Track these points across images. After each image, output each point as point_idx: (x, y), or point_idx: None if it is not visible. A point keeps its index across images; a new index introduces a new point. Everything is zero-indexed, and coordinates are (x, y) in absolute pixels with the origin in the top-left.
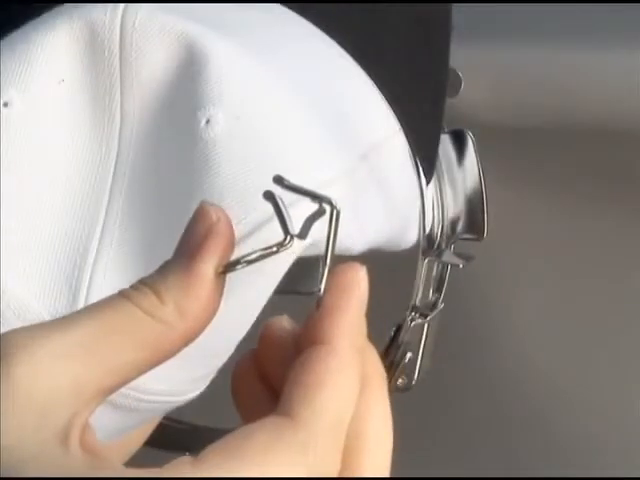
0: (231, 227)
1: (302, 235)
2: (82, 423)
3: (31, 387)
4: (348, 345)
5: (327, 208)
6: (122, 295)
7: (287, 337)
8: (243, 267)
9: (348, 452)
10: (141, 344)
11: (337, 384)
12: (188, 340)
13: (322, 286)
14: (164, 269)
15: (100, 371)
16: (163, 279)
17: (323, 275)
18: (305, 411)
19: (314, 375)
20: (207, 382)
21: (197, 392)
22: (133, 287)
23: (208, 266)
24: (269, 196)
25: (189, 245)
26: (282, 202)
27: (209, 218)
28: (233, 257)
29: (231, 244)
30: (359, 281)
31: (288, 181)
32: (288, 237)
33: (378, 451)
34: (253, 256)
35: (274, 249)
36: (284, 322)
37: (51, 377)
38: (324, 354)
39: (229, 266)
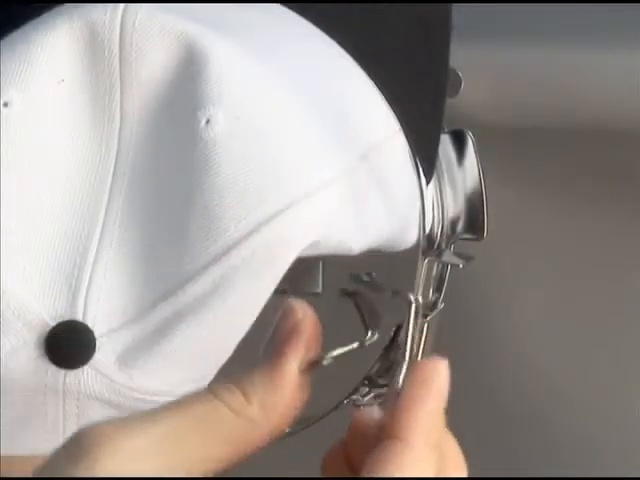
0: (316, 323)
1: (376, 327)
2: None
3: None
4: (423, 442)
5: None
6: (210, 392)
7: (374, 427)
8: (328, 363)
9: None
10: (226, 440)
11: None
12: (273, 436)
13: (400, 379)
14: (252, 368)
15: (184, 466)
16: (250, 378)
17: (402, 368)
18: None
19: (388, 468)
20: (207, 382)
21: (193, 390)
22: (221, 385)
23: (293, 365)
24: (351, 294)
25: (275, 344)
26: (365, 299)
27: (295, 315)
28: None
29: (316, 341)
30: (439, 376)
31: (366, 277)
32: (370, 332)
33: None
34: (337, 352)
35: (356, 345)
36: (374, 413)
37: (135, 471)
38: (400, 449)
39: (314, 364)
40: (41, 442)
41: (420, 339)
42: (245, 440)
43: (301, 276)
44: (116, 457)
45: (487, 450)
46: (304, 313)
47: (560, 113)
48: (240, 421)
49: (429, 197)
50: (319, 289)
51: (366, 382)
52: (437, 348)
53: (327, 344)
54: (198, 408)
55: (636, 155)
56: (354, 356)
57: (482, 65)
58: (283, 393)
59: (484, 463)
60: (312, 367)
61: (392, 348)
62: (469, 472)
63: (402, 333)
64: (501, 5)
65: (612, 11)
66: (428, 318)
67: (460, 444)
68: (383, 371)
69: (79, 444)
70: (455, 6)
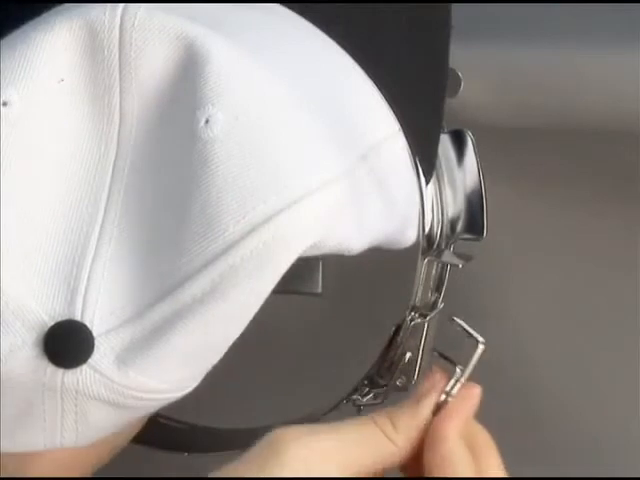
0: (446, 382)
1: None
2: None
3: (301, 469)
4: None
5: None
6: (372, 419)
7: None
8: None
9: None
10: (376, 455)
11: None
12: (405, 457)
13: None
14: (401, 406)
15: (352, 469)
16: (399, 413)
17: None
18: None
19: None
20: (201, 377)
21: (192, 387)
22: (380, 414)
23: (427, 409)
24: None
25: (417, 395)
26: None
27: (433, 379)
28: None
29: (445, 394)
30: (474, 397)
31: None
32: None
33: None
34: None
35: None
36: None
37: (321, 468)
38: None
39: (440, 405)
40: (39, 441)
41: (420, 339)
42: (388, 458)
43: (301, 276)
44: (303, 453)
45: None
46: (440, 377)
47: (560, 113)
48: (389, 446)
49: (429, 197)
50: (319, 289)
51: (366, 382)
52: (437, 348)
53: (326, 342)
54: (364, 429)
55: (636, 155)
56: (354, 356)
57: (482, 65)
58: (419, 426)
59: None
60: (438, 411)
61: (392, 348)
62: None
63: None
64: (501, 5)
65: (612, 11)
66: (428, 318)
67: None
68: (383, 371)
69: (272, 442)
70: (455, 6)
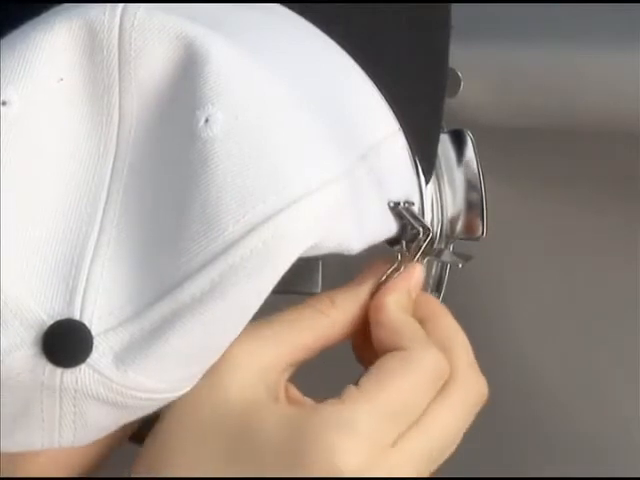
0: (388, 268)
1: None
2: (284, 384)
3: (244, 360)
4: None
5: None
6: (310, 301)
7: None
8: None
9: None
10: (313, 333)
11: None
12: (345, 331)
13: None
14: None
15: (289, 351)
16: (337, 291)
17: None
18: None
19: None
20: (199, 377)
21: (189, 387)
22: (319, 296)
23: (366, 286)
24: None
25: (357, 278)
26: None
27: (375, 264)
28: None
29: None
30: (414, 272)
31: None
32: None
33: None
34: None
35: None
36: None
37: (263, 350)
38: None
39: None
40: (37, 441)
41: None
42: (326, 336)
43: (301, 276)
44: (250, 347)
45: (487, 450)
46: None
47: (560, 113)
48: (324, 319)
49: (428, 197)
50: (318, 289)
51: None
52: None
53: None
54: (296, 310)
55: (636, 155)
56: (354, 354)
57: (482, 65)
58: (360, 305)
59: (484, 463)
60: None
61: None
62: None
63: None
64: (501, 5)
65: (612, 11)
66: None
67: (460, 444)
68: None
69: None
70: (455, 6)
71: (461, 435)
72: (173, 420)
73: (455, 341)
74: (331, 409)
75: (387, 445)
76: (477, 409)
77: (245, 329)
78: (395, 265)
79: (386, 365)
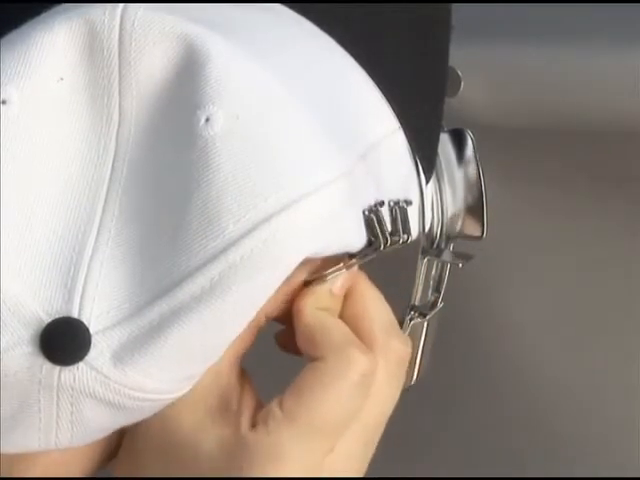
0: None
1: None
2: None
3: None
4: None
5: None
6: None
7: None
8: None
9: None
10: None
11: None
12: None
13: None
14: None
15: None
16: None
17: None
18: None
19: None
20: (198, 377)
21: (189, 388)
22: None
23: (297, 279)
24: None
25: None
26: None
27: (314, 261)
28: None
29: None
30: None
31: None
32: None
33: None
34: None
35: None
36: None
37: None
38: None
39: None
40: (34, 440)
41: (419, 339)
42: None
43: None
44: None
45: (487, 450)
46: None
47: (560, 113)
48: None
49: (428, 196)
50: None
51: None
52: (437, 348)
53: None
54: None
55: (636, 155)
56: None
57: (482, 65)
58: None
59: (484, 463)
60: (313, 281)
61: None
62: (474, 466)
63: None
64: (501, 5)
65: (612, 11)
66: (427, 317)
67: (460, 444)
68: None
69: None
70: (455, 6)
71: (395, 402)
72: (139, 436)
73: (368, 308)
74: (258, 439)
75: (321, 459)
76: (403, 368)
77: None
78: (339, 266)
79: (304, 380)
